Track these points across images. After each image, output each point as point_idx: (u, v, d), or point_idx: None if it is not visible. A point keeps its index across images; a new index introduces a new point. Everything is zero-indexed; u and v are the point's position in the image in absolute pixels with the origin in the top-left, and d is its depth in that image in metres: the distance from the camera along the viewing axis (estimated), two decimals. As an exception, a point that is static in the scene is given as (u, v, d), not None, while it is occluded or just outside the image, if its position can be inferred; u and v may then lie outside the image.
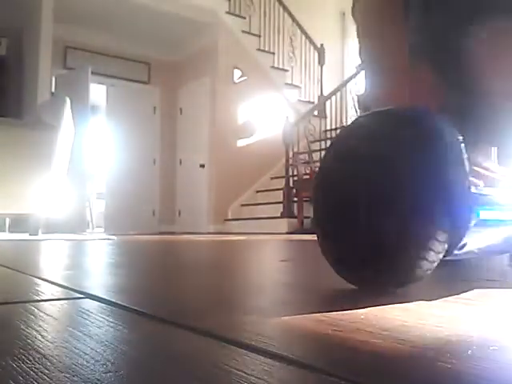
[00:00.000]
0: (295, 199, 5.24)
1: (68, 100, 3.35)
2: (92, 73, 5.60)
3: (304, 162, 5.50)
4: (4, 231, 4.04)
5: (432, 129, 0.67)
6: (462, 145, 0.65)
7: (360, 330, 0.45)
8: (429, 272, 0.64)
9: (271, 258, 1.75)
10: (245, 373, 0.32)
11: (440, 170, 0.64)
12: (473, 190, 0.66)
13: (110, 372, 0.32)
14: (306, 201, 5.21)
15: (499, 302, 0.67)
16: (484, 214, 0.66)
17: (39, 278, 0.89)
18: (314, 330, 0.46)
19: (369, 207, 0.67)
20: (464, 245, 0.66)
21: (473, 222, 0.64)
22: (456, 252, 0.66)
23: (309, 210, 5.27)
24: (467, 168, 0.65)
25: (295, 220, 5.14)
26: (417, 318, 0.51)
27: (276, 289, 0.85)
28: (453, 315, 0.54)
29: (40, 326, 0.47)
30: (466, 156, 0.65)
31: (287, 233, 5.01)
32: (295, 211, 5.23)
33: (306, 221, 5.21)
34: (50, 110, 3.38)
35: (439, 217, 0.63)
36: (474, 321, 0.51)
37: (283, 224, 5.15)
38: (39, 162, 3.08)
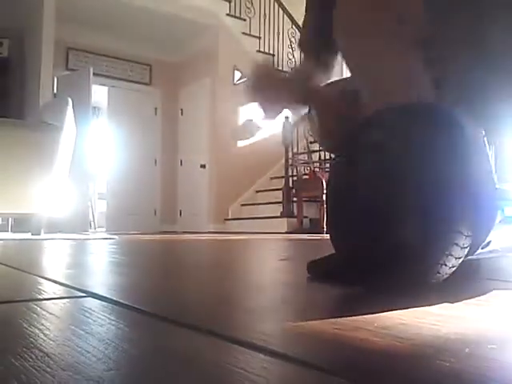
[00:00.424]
0: (295, 199, 5.26)
1: (70, 101, 3.37)
2: (94, 74, 5.63)
3: (303, 163, 5.52)
4: (7, 231, 4.06)
5: (454, 125, 0.61)
6: (485, 140, 0.59)
7: (360, 329, 0.45)
8: (453, 269, 0.60)
9: (271, 257, 1.74)
10: (245, 371, 0.32)
11: (464, 167, 0.59)
12: (497, 186, 0.61)
13: (111, 370, 0.32)
14: (305, 201, 5.23)
15: (497, 300, 0.67)
16: (509, 211, 0.61)
17: (42, 277, 0.89)
18: (314, 328, 0.46)
19: (387, 207, 0.61)
20: (489, 243, 0.61)
21: (498, 219, 0.59)
22: (480, 251, 0.62)
23: (308, 210, 5.29)
24: (491, 164, 0.59)
25: (295, 220, 5.17)
26: (415, 316, 0.51)
27: (276, 288, 0.85)
28: (451, 314, 0.54)
29: (42, 324, 0.47)
30: (488, 152, 0.59)
31: (287, 232, 5.03)
32: (295, 211, 5.25)
33: (305, 220, 5.23)
34: (52, 110, 3.40)
35: (464, 215, 0.57)
36: (473, 319, 0.51)
37: (283, 224, 5.17)
38: (41, 163, 3.10)
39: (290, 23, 6.78)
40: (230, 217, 6.26)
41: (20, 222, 4.03)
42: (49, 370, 0.32)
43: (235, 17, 6.59)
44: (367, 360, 0.35)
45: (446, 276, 0.61)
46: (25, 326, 0.46)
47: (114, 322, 0.48)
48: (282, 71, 3.01)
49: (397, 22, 0.72)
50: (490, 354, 0.37)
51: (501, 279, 0.95)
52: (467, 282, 0.85)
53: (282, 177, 5.44)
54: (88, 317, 0.50)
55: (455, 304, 0.60)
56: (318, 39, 0.99)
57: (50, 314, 0.53)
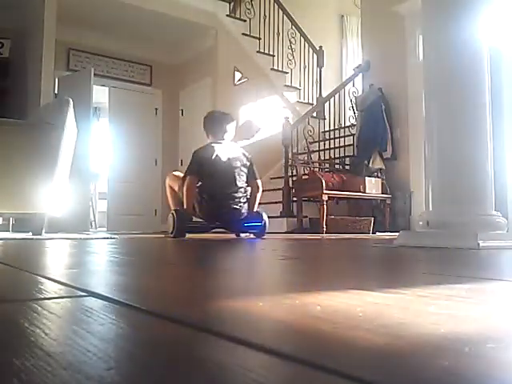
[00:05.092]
0: (294, 199, 5.27)
1: (71, 101, 3.39)
2: (94, 74, 5.65)
3: (303, 163, 5.54)
4: (7, 230, 4.08)
5: None
6: None
7: (358, 327, 0.45)
8: None
9: (271, 255, 1.74)
10: (245, 369, 0.32)
11: None
12: None
13: (112, 369, 0.32)
14: (305, 201, 5.25)
15: (495, 298, 0.68)
16: None
17: (43, 277, 0.89)
18: (313, 326, 0.46)
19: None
20: None
21: None
22: None
23: (308, 210, 5.31)
24: None
25: (294, 220, 5.18)
26: (414, 315, 0.52)
27: (275, 286, 0.86)
28: (450, 312, 0.54)
29: (43, 323, 0.47)
30: None
31: (286, 232, 5.05)
32: (294, 211, 5.27)
33: (305, 220, 5.25)
34: (53, 111, 3.42)
35: None
36: (471, 318, 0.51)
37: (282, 223, 5.19)
38: (42, 163, 3.12)
39: (290, 24, 6.80)
40: (229, 217, 6.27)
41: (21, 222, 4.04)
42: (49, 369, 0.32)
43: (235, 18, 6.61)
44: (365, 358, 0.36)
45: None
46: (26, 325, 0.46)
47: (114, 322, 0.48)
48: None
49: None
50: (489, 353, 0.36)
51: (476, 276, 0.97)
52: (441, 278, 0.85)
53: (282, 177, 5.46)
54: (89, 316, 0.50)
55: (455, 303, 0.60)
56: None
57: (51, 313, 0.53)
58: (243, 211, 3.30)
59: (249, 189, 3.37)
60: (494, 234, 2.11)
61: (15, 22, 5.66)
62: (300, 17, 6.84)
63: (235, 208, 3.26)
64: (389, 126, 5.48)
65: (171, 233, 3.25)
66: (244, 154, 3.42)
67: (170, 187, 3.48)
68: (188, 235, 3.35)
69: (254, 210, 3.36)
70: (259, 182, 3.40)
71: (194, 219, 3.34)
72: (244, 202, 3.32)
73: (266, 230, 3.35)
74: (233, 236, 3.55)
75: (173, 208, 3.40)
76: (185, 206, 3.24)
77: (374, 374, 0.32)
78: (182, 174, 3.39)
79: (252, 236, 3.39)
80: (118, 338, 0.43)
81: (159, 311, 0.55)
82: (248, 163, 3.38)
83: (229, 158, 3.30)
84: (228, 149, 3.37)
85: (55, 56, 5.42)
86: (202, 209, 3.25)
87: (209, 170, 3.24)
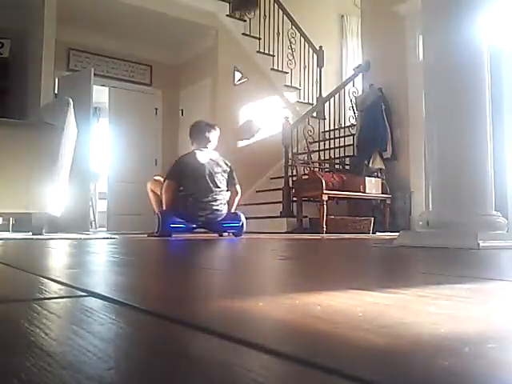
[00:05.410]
0: (294, 199, 5.27)
1: (71, 101, 3.39)
2: (94, 75, 5.65)
3: (303, 163, 5.54)
4: (7, 230, 4.08)
5: None
6: None
7: (358, 327, 0.45)
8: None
9: (270, 255, 1.74)
10: (245, 369, 0.32)
11: None
12: None
13: (112, 369, 0.32)
14: (304, 201, 5.25)
15: (495, 298, 0.68)
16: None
17: (43, 277, 0.89)
18: (313, 326, 0.46)
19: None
20: None
21: None
22: None
23: (308, 210, 5.31)
24: None
25: (294, 219, 5.18)
26: (414, 315, 0.52)
27: (275, 286, 0.86)
28: (450, 313, 0.54)
29: (43, 323, 0.47)
30: None
31: (286, 232, 5.05)
32: (294, 211, 5.27)
33: (304, 220, 5.25)
34: (53, 111, 3.42)
35: None
36: (471, 318, 0.51)
37: (282, 223, 5.19)
38: (42, 163, 3.12)
39: (290, 24, 6.80)
40: (230, 217, 6.28)
41: (21, 222, 4.05)
42: (49, 368, 0.32)
43: (235, 18, 6.61)
44: (365, 358, 0.36)
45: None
46: (26, 325, 0.46)
47: (114, 322, 0.48)
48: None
49: None
50: (489, 353, 0.36)
51: (477, 276, 0.97)
52: (441, 278, 0.85)
53: (282, 177, 5.46)
54: (89, 316, 0.50)
55: (455, 303, 0.60)
56: None
57: (51, 313, 0.53)
58: (223, 213, 3.61)
59: (228, 193, 3.68)
60: (494, 233, 2.11)
61: (15, 22, 5.66)
62: (300, 17, 6.84)
63: (216, 210, 3.55)
64: (389, 126, 5.48)
65: (156, 232, 3.52)
66: (224, 162, 3.74)
67: (152, 191, 3.76)
68: (177, 235, 3.54)
69: (232, 211, 3.69)
70: (238, 187, 3.73)
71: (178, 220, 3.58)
72: (224, 204, 3.63)
73: (244, 230, 3.65)
74: (216, 236, 3.74)
75: (157, 211, 3.70)
76: (164, 208, 3.55)
77: (373, 374, 0.32)
78: (162, 179, 3.68)
79: (231, 235, 3.67)
80: (117, 337, 0.43)
81: (159, 311, 0.55)
82: (228, 169, 3.70)
83: (210, 164, 3.62)
84: (209, 156, 3.69)
85: (55, 56, 5.42)
86: (185, 210, 3.50)
87: (192, 174, 3.54)
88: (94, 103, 5.72)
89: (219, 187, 3.59)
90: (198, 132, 3.79)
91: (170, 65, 7.30)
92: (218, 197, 3.57)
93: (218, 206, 3.56)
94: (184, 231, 3.58)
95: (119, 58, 6.85)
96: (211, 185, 3.55)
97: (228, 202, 3.68)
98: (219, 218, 3.57)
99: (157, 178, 3.84)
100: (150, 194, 3.76)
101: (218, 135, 3.83)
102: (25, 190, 3.07)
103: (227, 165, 3.72)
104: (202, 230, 3.73)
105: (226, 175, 3.66)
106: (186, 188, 3.54)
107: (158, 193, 3.65)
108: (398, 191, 5.32)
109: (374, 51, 5.92)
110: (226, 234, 3.69)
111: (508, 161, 4.46)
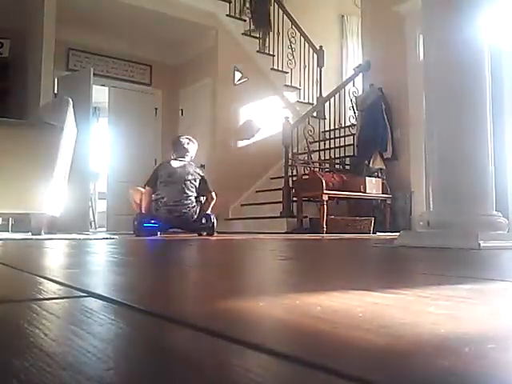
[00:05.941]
0: (294, 199, 5.27)
1: (70, 101, 3.39)
2: (94, 74, 5.65)
3: (303, 163, 5.54)
4: (7, 231, 4.08)
5: None
6: None
7: (358, 328, 0.45)
8: None
9: (270, 255, 1.74)
10: (244, 369, 0.32)
11: None
12: None
13: (111, 369, 0.32)
14: (305, 201, 5.25)
15: (496, 298, 0.68)
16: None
17: (42, 277, 0.89)
18: (313, 326, 0.46)
19: None
20: None
21: None
22: None
23: (308, 210, 5.31)
24: None
25: (294, 220, 5.18)
26: (415, 315, 0.52)
27: (275, 286, 0.86)
28: (450, 313, 0.54)
29: (43, 324, 0.47)
30: None
31: (286, 232, 5.05)
32: (294, 211, 5.27)
33: (305, 220, 5.25)
34: (53, 111, 3.42)
35: None
36: (472, 318, 0.51)
37: (283, 223, 5.19)
38: (42, 163, 3.12)
39: (290, 23, 6.80)
40: (230, 217, 6.27)
41: (20, 222, 4.04)
42: (49, 369, 0.32)
43: (235, 17, 6.61)
44: (366, 358, 0.36)
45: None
46: (25, 325, 0.46)
47: (114, 322, 0.48)
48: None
49: None
50: (490, 353, 0.37)
51: (477, 277, 0.97)
52: (442, 278, 0.84)
53: (282, 177, 5.45)
54: (88, 316, 0.50)
55: (455, 304, 0.60)
56: None
57: (50, 313, 0.53)
58: (193, 215, 4.05)
59: (200, 198, 4.12)
60: (494, 234, 2.10)
61: (15, 21, 5.66)
62: (300, 17, 6.84)
63: (184, 212, 4.01)
64: (389, 126, 5.48)
65: (133, 232, 4.01)
66: (196, 172, 4.20)
67: (134, 200, 4.21)
68: (170, 235, 3.93)
69: (207, 213, 4.12)
70: (213, 194, 4.19)
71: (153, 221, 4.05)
72: (193, 207, 4.05)
73: (215, 230, 4.10)
74: (195, 235, 4.11)
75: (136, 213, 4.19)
76: (143, 211, 4.05)
77: (373, 374, 0.32)
78: (142, 189, 4.18)
79: (205, 234, 4.10)
80: (117, 338, 0.42)
81: (158, 311, 0.55)
82: (199, 178, 4.16)
83: (181, 172, 4.08)
84: (183, 165, 4.15)
85: (55, 56, 5.42)
86: (159, 212, 3.99)
87: (164, 180, 4.05)
88: (93, 103, 5.72)
89: (187, 193, 4.04)
90: (178, 143, 4.33)
91: (169, 65, 7.30)
92: (185, 201, 4.01)
93: (185, 209, 4.00)
94: (159, 231, 3.96)
95: (119, 58, 6.85)
96: (180, 191, 4.01)
97: (204, 205, 4.13)
98: (190, 220, 4.02)
99: (138, 187, 4.29)
100: (132, 201, 4.20)
101: (196, 148, 4.37)
102: (24, 190, 3.07)
103: (199, 174, 4.19)
104: (178, 229, 4.16)
105: (196, 183, 4.11)
106: (158, 192, 4.04)
107: (137, 201, 4.14)
108: (398, 191, 5.32)
109: (374, 51, 5.92)
110: (204, 233, 4.12)
111: (509, 160, 4.45)
